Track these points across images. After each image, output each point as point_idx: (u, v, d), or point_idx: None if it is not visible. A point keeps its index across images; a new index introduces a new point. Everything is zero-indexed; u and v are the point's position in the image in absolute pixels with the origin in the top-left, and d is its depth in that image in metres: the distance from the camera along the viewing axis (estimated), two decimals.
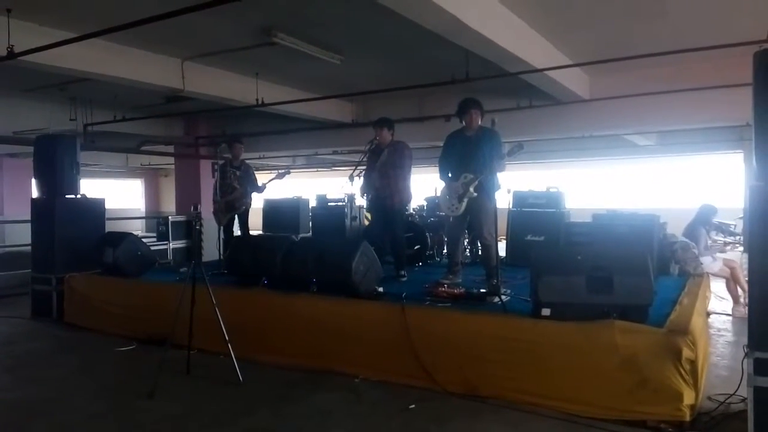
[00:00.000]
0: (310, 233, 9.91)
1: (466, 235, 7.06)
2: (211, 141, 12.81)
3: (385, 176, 5.99)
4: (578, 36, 6.99)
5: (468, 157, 5.31)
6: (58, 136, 7.54)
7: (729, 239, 8.00)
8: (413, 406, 3.91)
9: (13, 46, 5.64)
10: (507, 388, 3.93)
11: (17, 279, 8.48)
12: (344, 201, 9.59)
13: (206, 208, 6.36)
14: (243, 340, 4.60)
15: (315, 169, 20.52)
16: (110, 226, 7.74)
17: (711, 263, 6.72)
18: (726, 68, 7.29)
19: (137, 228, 21.10)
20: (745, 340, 3.22)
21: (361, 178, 6.21)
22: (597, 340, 3.69)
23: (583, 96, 8.82)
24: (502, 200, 5.55)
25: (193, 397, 4.16)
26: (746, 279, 3.91)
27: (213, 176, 7.16)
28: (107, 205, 7.63)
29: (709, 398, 3.84)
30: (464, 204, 5.30)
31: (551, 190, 7.56)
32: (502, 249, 5.95)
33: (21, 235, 8.95)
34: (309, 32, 6.71)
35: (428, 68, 7.84)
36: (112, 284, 6.29)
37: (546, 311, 3.92)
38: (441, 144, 5.77)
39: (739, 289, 6.79)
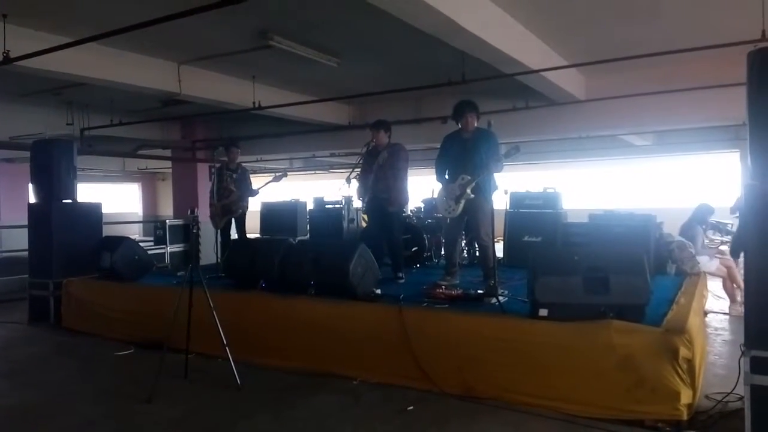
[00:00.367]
0: (308, 236, 9.91)
1: (464, 237, 7.06)
2: (208, 144, 12.82)
3: (382, 178, 5.98)
4: (574, 37, 7.02)
5: (465, 158, 5.32)
6: (54, 141, 7.53)
7: (726, 238, 8.03)
8: (412, 407, 3.91)
9: (8, 51, 5.65)
10: (505, 388, 3.93)
11: (15, 284, 8.47)
12: (342, 203, 9.60)
13: (203, 212, 6.36)
14: (241, 344, 4.59)
15: (312, 172, 20.54)
16: (107, 231, 7.73)
17: (708, 262, 6.74)
18: (721, 68, 7.31)
19: (135, 232, 21.12)
20: (742, 338, 3.23)
21: (357, 180, 6.21)
22: (594, 340, 3.69)
23: (579, 97, 8.85)
24: (499, 201, 5.57)
25: (191, 401, 4.16)
26: (743, 278, 3.93)
27: (210, 179, 7.16)
28: (104, 210, 7.64)
29: (707, 397, 3.84)
30: (461, 205, 5.31)
31: (548, 190, 7.57)
32: (499, 250, 5.95)
33: (18, 241, 8.95)
34: (305, 35, 6.72)
35: (425, 70, 7.87)
36: (110, 288, 6.29)
37: (543, 312, 3.93)
38: (438, 145, 5.78)
39: (736, 288, 6.81)
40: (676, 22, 6.46)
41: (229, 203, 7.03)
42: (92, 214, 7.42)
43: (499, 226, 6.28)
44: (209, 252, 6.94)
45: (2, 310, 7.51)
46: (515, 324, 4.07)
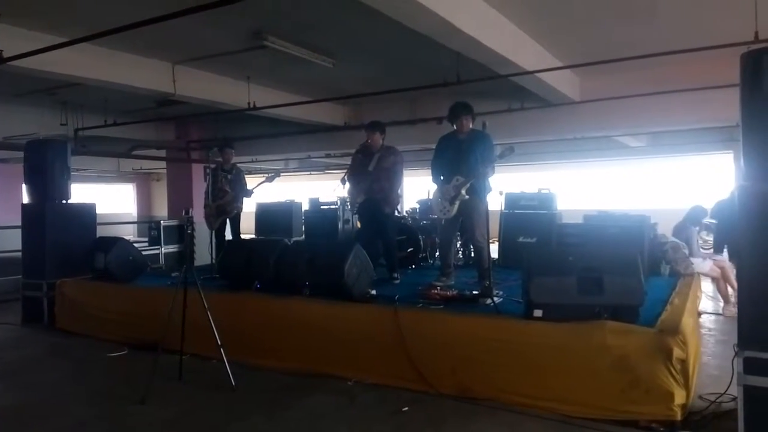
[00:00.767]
0: (303, 236, 9.90)
1: (459, 238, 7.07)
2: (203, 145, 12.78)
3: (377, 180, 5.97)
4: (568, 38, 7.04)
5: (459, 159, 5.32)
6: (48, 141, 7.50)
7: None
8: (407, 408, 3.91)
9: (2, 50, 5.61)
10: (500, 389, 3.94)
11: (8, 285, 8.43)
12: (337, 204, 9.59)
13: (198, 213, 6.34)
14: (235, 345, 4.58)
15: (307, 173, 20.52)
16: (102, 231, 7.69)
17: (701, 263, 6.77)
18: (715, 69, 7.34)
19: (129, 233, 21.06)
20: (735, 339, 3.24)
21: (348, 181, 6.16)
22: (588, 341, 3.70)
23: (573, 98, 8.88)
24: (494, 202, 5.57)
25: (185, 402, 4.14)
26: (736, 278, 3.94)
27: (205, 180, 7.15)
28: (98, 210, 7.60)
29: (700, 397, 3.86)
30: (456, 206, 5.31)
31: (543, 191, 7.59)
32: (494, 251, 5.96)
33: (11, 241, 8.88)
34: (300, 35, 6.72)
35: (420, 71, 7.87)
36: (104, 289, 6.26)
37: (538, 312, 3.93)
38: (433, 146, 5.79)
39: (730, 289, 6.84)
40: (669, 24, 6.49)
41: (223, 204, 7.02)
42: (86, 214, 7.39)
43: (494, 227, 6.27)
44: (204, 253, 6.91)
45: None
46: (510, 325, 4.07)
